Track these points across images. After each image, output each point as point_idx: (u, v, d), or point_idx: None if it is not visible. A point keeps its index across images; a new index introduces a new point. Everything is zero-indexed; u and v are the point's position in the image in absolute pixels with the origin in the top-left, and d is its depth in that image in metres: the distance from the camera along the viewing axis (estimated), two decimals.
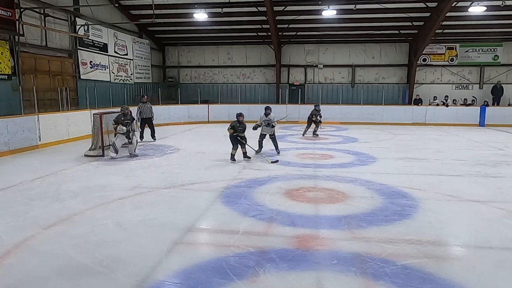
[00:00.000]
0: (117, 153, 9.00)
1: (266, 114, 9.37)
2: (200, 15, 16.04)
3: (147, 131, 12.27)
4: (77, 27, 13.80)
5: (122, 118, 9.08)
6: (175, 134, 13.33)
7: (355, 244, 4.16)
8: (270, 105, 10.00)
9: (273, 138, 9.57)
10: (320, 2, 15.40)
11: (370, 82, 20.25)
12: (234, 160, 8.56)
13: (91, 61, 14.95)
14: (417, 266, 3.63)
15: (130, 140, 9.18)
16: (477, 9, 14.76)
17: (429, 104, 18.58)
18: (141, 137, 11.93)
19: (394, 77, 20.11)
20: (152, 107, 12.32)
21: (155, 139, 12.07)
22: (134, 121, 9.34)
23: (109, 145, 9.44)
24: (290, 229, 4.59)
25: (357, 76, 20.37)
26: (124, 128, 9.00)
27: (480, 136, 13.76)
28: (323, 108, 18.59)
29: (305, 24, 18.07)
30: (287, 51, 20.49)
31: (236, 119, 8.64)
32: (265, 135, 9.58)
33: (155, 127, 12.29)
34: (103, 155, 9.20)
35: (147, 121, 12.09)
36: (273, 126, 9.43)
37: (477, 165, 8.51)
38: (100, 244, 4.13)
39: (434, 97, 18.94)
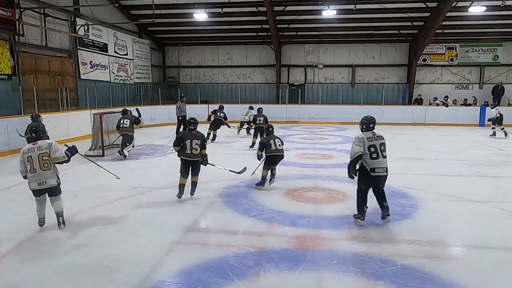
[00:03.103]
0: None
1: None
2: (200, 15, 16.04)
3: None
4: (77, 27, 13.80)
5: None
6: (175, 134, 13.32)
7: (355, 244, 4.16)
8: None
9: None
10: (320, 2, 15.39)
11: (370, 82, 20.23)
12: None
13: (91, 61, 14.95)
14: (417, 266, 3.63)
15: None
16: (477, 9, 14.74)
17: (429, 104, 18.57)
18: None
19: (394, 77, 20.09)
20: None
21: None
22: None
23: (109, 145, 9.50)
24: (290, 229, 4.59)
25: (357, 76, 20.35)
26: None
27: (480, 136, 13.75)
28: (324, 108, 18.81)
29: (305, 24, 18.06)
30: (287, 51, 20.47)
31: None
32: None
33: None
34: (103, 155, 9.19)
35: (184, 119, 12.86)
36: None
37: (477, 165, 8.51)
38: (100, 244, 4.13)
39: (435, 97, 18.89)
